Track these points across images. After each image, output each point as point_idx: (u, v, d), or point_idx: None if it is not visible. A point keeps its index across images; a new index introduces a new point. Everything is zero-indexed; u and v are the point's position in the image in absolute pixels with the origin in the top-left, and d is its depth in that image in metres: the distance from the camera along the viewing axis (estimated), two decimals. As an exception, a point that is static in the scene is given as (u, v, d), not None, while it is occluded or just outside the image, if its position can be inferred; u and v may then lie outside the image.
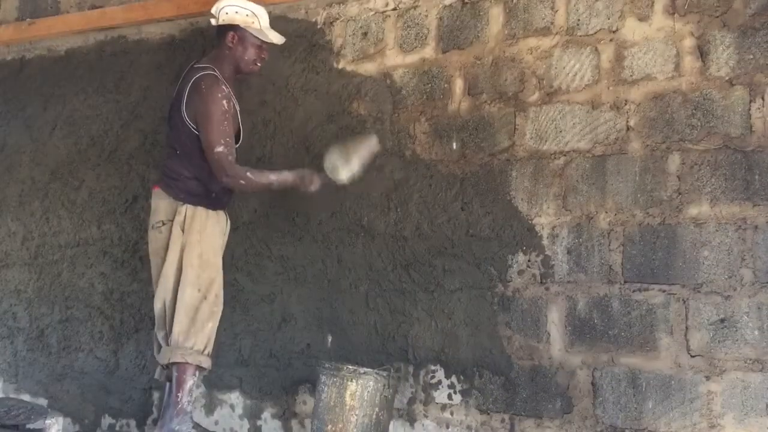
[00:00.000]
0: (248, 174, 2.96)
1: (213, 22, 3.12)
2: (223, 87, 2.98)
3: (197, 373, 2.99)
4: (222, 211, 3.13)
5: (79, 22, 4.02)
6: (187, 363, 2.93)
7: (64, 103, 4.06)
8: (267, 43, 3.13)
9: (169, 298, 2.97)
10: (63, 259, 3.95)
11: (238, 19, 3.06)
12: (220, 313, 3.07)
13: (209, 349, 3.02)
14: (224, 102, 2.95)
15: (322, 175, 3.09)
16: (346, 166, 3.07)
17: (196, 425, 3.07)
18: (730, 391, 2.66)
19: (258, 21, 3.08)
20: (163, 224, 3.02)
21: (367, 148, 3.13)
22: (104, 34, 4.00)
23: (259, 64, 3.15)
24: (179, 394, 2.94)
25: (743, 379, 2.64)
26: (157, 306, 3.01)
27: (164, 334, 3.00)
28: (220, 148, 2.91)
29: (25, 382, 3.97)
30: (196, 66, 3.09)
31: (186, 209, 3.00)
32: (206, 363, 3.00)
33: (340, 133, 3.38)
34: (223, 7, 3.07)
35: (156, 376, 3.24)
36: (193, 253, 2.98)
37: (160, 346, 3.07)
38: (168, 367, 3.01)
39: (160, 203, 3.06)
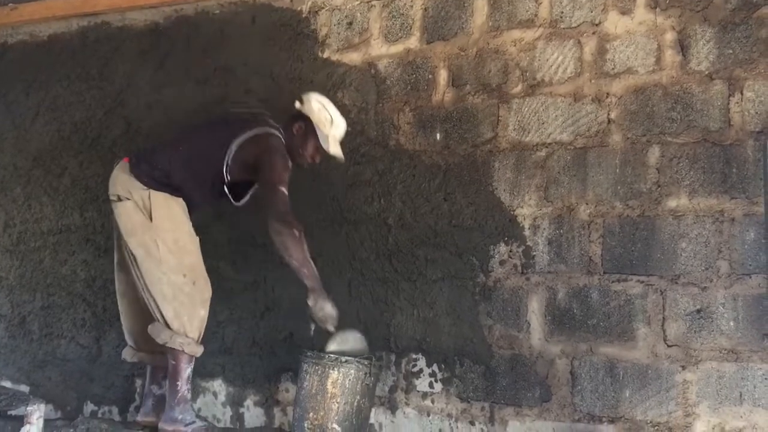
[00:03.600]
0: (295, 231, 2.81)
1: (297, 105, 3.05)
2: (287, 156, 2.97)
3: (192, 360, 2.95)
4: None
5: (62, 7, 3.99)
6: (183, 351, 2.90)
7: (46, 89, 4.03)
8: (324, 151, 3.06)
9: (147, 284, 2.90)
10: (45, 246, 3.94)
11: (315, 116, 3.02)
12: (209, 300, 3.01)
13: (201, 337, 2.97)
14: (288, 163, 2.95)
15: (328, 307, 2.87)
16: (335, 344, 2.90)
17: (199, 416, 3.04)
18: (705, 380, 2.71)
19: (330, 128, 3.04)
20: (119, 199, 2.94)
21: (357, 350, 2.95)
22: (87, 20, 3.98)
23: (307, 163, 3.08)
24: (178, 382, 2.90)
25: (718, 369, 2.69)
26: (145, 294, 2.95)
27: (151, 317, 2.94)
28: (283, 188, 2.86)
29: (6, 369, 3.95)
30: (268, 120, 3.06)
31: (150, 194, 2.92)
32: (200, 352, 2.97)
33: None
34: (314, 98, 3.04)
35: (123, 356, 3.18)
36: (169, 240, 2.92)
37: (132, 333, 3.09)
38: (166, 350, 2.93)
39: (120, 176, 2.98)
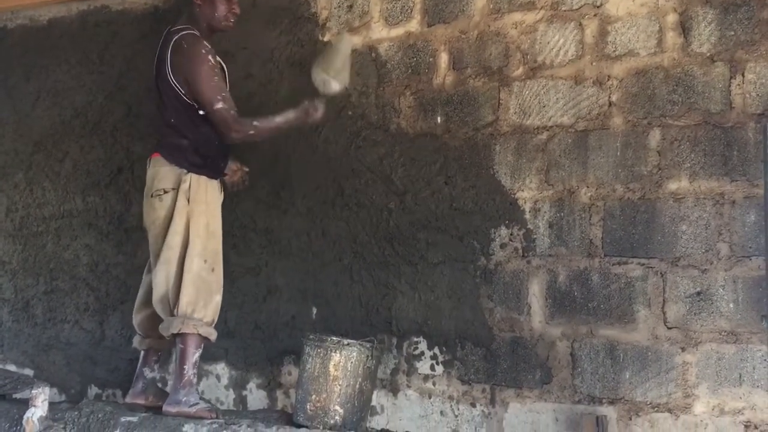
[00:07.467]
0: (255, 123, 2.92)
1: None
2: (205, 43, 2.93)
3: (203, 345, 2.96)
4: (218, 181, 3.08)
5: (62, -9, 3.98)
6: (197, 334, 2.89)
7: (46, 73, 4.03)
8: None
9: (175, 269, 2.90)
10: (48, 231, 3.95)
11: None
12: (222, 287, 3.02)
13: (214, 322, 2.98)
14: (209, 57, 2.91)
15: (320, 98, 3.02)
16: (334, 75, 3.03)
17: (202, 398, 3.06)
18: (704, 362, 2.72)
19: None
20: (165, 192, 2.93)
21: (343, 49, 3.06)
22: (87, 4, 3.96)
23: (232, 20, 3.07)
24: (185, 366, 2.90)
25: (718, 351, 2.71)
26: (160, 277, 2.92)
27: (167, 306, 2.93)
28: (218, 105, 2.87)
29: (10, 353, 3.98)
30: (172, 29, 3.02)
31: (190, 178, 2.93)
32: (214, 336, 2.98)
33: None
34: None
35: (135, 345, 3.23)
36: (200, 223, 2.93)
37: (147, 318, 3.08)
38: (173, 336, 2.93)
39: (161, 170, 2.97)
